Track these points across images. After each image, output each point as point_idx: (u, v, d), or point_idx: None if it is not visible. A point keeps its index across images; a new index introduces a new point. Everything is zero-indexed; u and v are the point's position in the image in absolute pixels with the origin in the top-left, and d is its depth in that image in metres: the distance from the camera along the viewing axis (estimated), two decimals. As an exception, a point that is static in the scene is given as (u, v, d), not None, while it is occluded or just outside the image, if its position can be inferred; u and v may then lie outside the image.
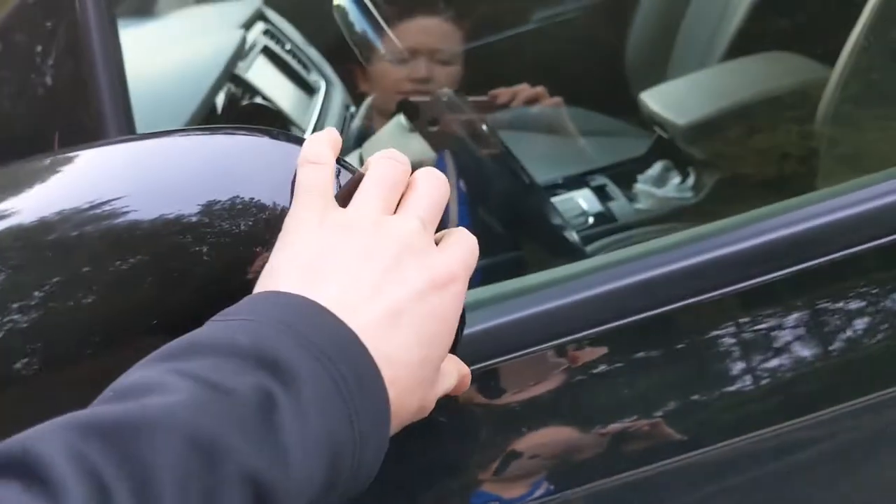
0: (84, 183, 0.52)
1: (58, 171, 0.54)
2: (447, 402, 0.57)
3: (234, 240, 0.49)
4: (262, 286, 0.47)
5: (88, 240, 0.49)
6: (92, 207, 0.50)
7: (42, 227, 0.50)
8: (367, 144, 1.17)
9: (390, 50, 1.20)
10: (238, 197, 0.50)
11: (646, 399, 0.70)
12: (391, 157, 0.51)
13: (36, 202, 0.52)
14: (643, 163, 1.63)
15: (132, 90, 0.81)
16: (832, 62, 1.20)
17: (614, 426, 0.70)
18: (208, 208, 0.49)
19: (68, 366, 0.50)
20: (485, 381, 0.68)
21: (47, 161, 0.54)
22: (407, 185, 0.51)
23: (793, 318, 0.72)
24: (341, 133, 1.54)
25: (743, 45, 1.60)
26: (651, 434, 0.69)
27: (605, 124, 1.78)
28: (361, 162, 1.16)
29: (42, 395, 0.50)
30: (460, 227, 0.52)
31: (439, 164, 1.21)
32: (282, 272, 0.47)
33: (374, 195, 0.49)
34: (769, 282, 0.69)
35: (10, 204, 0.52)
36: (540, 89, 1.22)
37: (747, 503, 0.72)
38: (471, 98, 1.20)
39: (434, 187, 0.51)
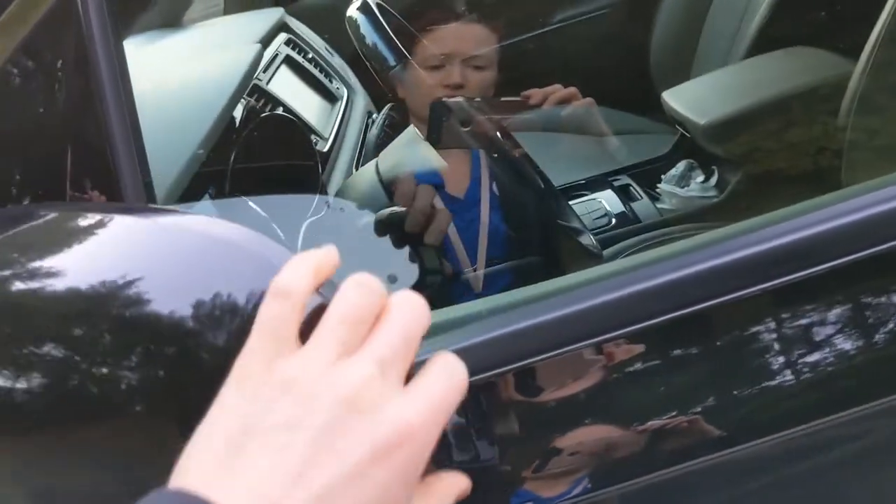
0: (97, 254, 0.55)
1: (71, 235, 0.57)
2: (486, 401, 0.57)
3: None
4: (176, 472, 0.41)
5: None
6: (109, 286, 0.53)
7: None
8: (382, 154, 1.18)
9: (421, 57, 1.21)
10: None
11: (681, 397, 0.70)
12: (362, 283, 0.44)
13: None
14: (666, 162, 1.62)
15: (152, 103, 0.82)
16: (856, 56, 1.19)
17: (651, 423, 0.70)
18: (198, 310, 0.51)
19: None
20: (522, 380, 0.69)
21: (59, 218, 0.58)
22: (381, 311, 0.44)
23: (825, 315, 0.71)
24: (361, 142, 1.56)
25: (766, 41, 1.58)
26: (688, 431, 0.69)
27: (630, 123, 1.77)
28: (379, 175, 1.17)
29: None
30: (446, 355, 0.44)
31: (475, 165, 1.21)
32: (197, 454, 0.41)
33: (330, 336, 0.43)
34: (801, 280, 0.68)
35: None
36: (572, 90, 1.21)
37: (782, 500, 0.72)
38: (502, 98, 1.20)
39: (409, 317, 0.44)
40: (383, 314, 0.44)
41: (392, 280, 0.96)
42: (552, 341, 0.69)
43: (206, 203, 1.05)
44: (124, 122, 0.74)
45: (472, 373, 0.69)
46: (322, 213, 1.27)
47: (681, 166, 1.59)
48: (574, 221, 1.23)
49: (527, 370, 0.69)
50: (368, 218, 1.03)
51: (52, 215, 0.66)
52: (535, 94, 1.20)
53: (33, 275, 0.59)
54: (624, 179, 1.57)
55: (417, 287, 0.99)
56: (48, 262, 0.59)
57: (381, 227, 1.04)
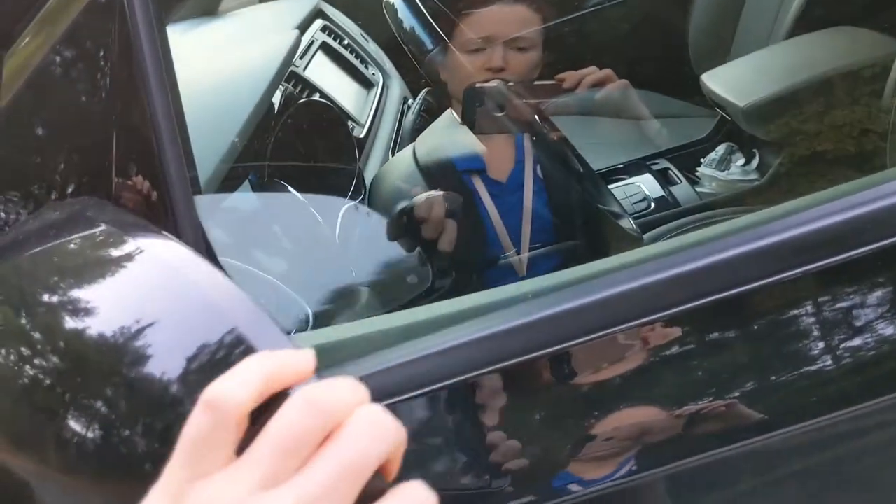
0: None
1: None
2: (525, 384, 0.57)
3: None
4: None
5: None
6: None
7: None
8: (420, 138, 1.18)
9: (460, 40, 1.19)
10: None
11: (721, 380, 0.70)
12: (311, 401, 0.38)
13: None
14: (706, 145, 1.60)
15: (192, 91, 0.83)
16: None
17: (691, 407, 0.70)
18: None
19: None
20: (563, 364, 0.69)
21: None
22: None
23: (867, 298, 0.70)
24: (397, 128, 1.56)
25: (808, 21, 1.55)
26: (727, 415, 0.69)
27: (667, 106, 1.75)
28: (416, 159, 1.17)
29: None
30: (413, 490, 0.38)
31: (518, 149, 1.21)
32: None
33: (256, 464, 0.37)
34: (844, 262, 0.67)
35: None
36: (607, 72, 1.19)
37: (822, 484, 0.71)
38: (536, 82, 1.19)
39: (362, 445, 0.38)
40: (333, 435, 0.38)
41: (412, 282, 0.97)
42: (594, 324, 0.69)
43: (245, 191, 1.06)
44: (169, 111, 0.75)
45: (515, 354, 0.70)
46: (359, 199, 1.28)
47: (721, 149, 1.57)
48: (614, 206, 1.22)
49: (569, 353, 0.69)
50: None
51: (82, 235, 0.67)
52: (569, 77, 1.18)
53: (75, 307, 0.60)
54: (663, 163, 1.55)
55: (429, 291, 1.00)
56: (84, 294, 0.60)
57: (395, 229, 1.04)
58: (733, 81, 1.52)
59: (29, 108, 0.93)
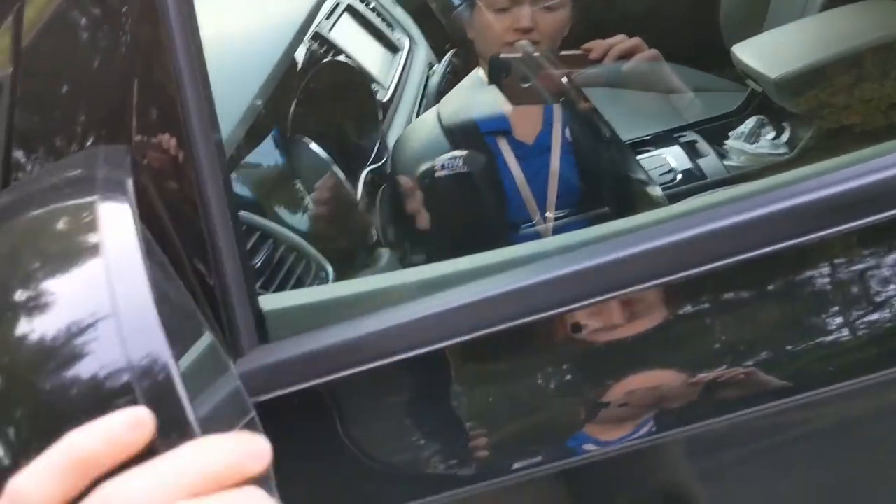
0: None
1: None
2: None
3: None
4: None
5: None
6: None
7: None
8: (445, 99, 1.16)
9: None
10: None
11: (741, 346, 0.69)
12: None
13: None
14: (735, 118, 1.58)
15: (214, 49, 0.82)
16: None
17: (710, 372, 0.69)
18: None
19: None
20: (580, 323, 0.68)
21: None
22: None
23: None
24: (422, 95, 1.55)
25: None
26: (746, 382, 0.68)
27: (698, 79, 1.72)
28: (440, 121, 1.15)
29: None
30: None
31: (547, 110, 1.18)
32: None
33: None
34: (871, 225, 0.66)
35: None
36: (636, 40, 1.15)
37: (842, 446, 0.70)
38: (562, 52, 1.15)
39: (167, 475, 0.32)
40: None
41: None
42: (616, 281, 0.68)
43: (268, 147, 1.05)
44: (193, 69, 0.74)
45: (535, 311, 0.69)
46: (381, 162, 1.27)
47: (750, 122, 1.54)
48: (641, 174, 1.20)
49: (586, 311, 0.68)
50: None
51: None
52: (596, 46, 1.15)
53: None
54: (690, 135, 1.53)
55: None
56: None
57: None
58: (766, 53, 1.49)
59: (49, 55, 0.92)
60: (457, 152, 1.01)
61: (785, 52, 1.47)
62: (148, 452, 0.34)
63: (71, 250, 0.46)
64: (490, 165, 1.06)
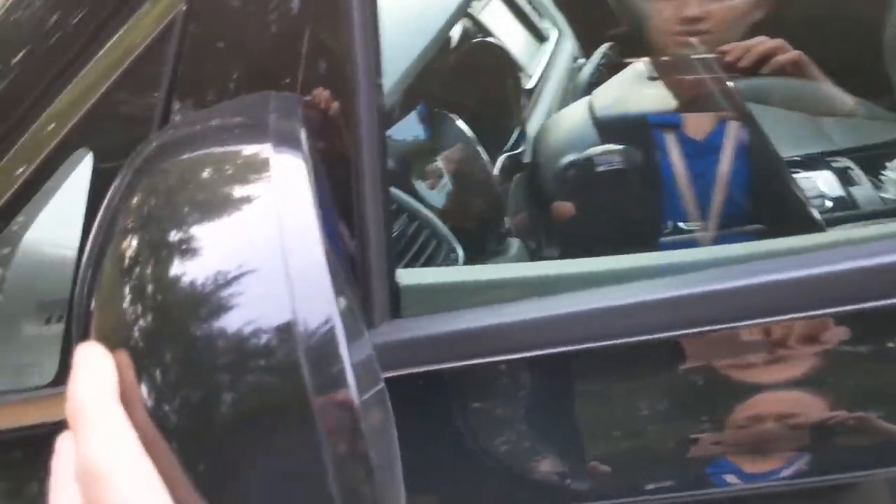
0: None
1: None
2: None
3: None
4: None
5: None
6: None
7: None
8: (598, 91, 1.10)
9: None
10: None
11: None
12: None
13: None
14: (894, 149, 1.47)
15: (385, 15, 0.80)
16: None
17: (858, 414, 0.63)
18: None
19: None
20: (723, 344, 0.63)
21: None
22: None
23: None
24: (568, 88, 1.49)
25: None
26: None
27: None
28: (592, 112, 1.10)
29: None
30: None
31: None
32: None
33: None
34: None
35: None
36: (780, 42, 1.03)
37: None
38: (693, 56, 1.07)
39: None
40: None
41: None
42: (780, 305, 0.63)
43: (413, 121, 1.03)
44: (366, 30, 0.71)
45: (682, 325, 0.64)
46: (519, 150, 1.23)
47: (912, 155, 1.43)
48: (801, 194, 1.11)
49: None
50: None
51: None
52: (734, 48, 1.03)
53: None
54: (844, 161, 1.43)
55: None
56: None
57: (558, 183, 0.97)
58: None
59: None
60: (611, 146, 0.96)
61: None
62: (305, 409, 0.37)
63: (240, 197, 0.44)
64: (650, 161, 0.98)
